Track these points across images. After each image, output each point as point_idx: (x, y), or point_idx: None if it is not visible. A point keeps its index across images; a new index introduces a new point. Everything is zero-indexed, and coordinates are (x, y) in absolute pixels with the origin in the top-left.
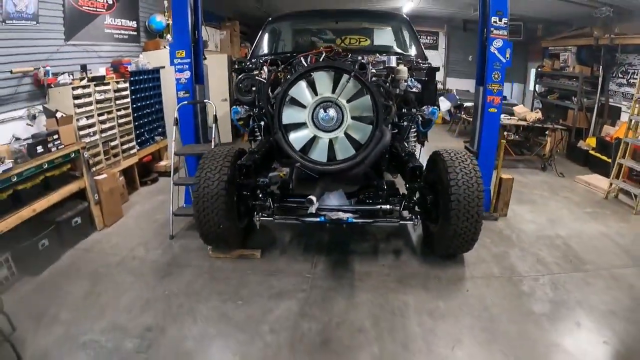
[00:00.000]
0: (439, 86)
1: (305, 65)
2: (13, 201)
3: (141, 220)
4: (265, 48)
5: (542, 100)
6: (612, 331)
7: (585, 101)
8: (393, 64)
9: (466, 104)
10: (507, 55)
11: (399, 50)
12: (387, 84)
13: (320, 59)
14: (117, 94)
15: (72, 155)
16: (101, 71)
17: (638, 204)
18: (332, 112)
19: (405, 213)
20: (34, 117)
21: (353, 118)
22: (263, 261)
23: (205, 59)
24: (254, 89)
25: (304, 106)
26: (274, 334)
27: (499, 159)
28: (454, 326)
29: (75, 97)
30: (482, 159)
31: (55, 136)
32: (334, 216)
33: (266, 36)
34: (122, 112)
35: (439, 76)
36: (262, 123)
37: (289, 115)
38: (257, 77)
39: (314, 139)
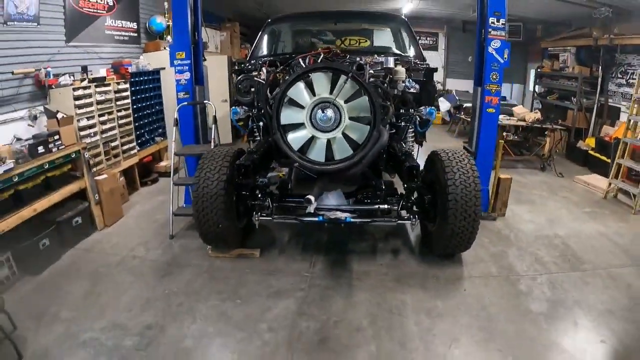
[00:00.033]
0: (439, 87)
1: (304, 66)
2: (14, 201)
3: (141, 220)
4: (264, 49)
5: (541, 101)
6: (610, 330)
7: (584, 101)
8: (391, 64)
9: (466, 105)
10: (505, 56)
11: (397, 51)
12: (385, 85)
13: (319, 60)
14: (117, 95)
15: (73, 156)
16: (102, 72)
17: (637, 203)
18: (330, 112)
19: (404, 213)
20: (35, 118)
21: (351, 118)
22: (262, 260)
23: (205, 60)
24: (253, 89)
25: (302, 107)
26: (272, 332)
27: (497, 159)
28: (451, 325)
29: (76, 98)
30: (480, 159)
31: (56, 137)
32: (332, 216)
33: (265, 37)
34: (123, 112)
35: (439, 77)
36: (261, 123)
37: (287, 115)
38: (256, 78)
39: (312, 139)
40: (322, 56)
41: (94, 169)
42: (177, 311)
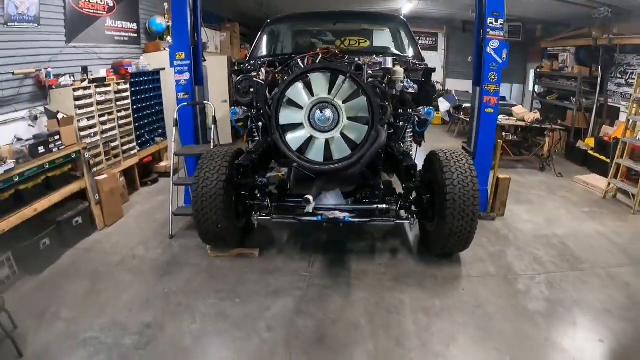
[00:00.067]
0: (438, 87)
1: (302, 66)
2: (15, 201)
3: (141, 220)
4: (263, 50)
5: (541, 101)
6: (607, 329)
7: (584, 101)
8: (389, 65)
9: (465, 105)
10: (504, 56)
11: (396, 52)
12: (384, 85)
13: (317, 61)
14: (117, 96)
15: (73, 156)
16: (102, 73)
17: (636, 203)
18: (328, 112)
19: (402, 212)
20: (35, 118)
21: (349, 118)
22: (261, 260)
23: (204, 60)
24: (252, 90)
25: (300, 107)
26: (271, 331)
27: (495, 159)
28: (449, 324)
29: (76, 99)
30: (479, 159)
31: (57, 137)
32: (331, 215)
33: (265, 38)
34: (123, 113)
35: (439, 77)
36: (260, 124)
37: (286, 116)
38: (255, 79)
39: (310, 139)
40: (320, 57)
41: (94, 169)
42: (177, 310)
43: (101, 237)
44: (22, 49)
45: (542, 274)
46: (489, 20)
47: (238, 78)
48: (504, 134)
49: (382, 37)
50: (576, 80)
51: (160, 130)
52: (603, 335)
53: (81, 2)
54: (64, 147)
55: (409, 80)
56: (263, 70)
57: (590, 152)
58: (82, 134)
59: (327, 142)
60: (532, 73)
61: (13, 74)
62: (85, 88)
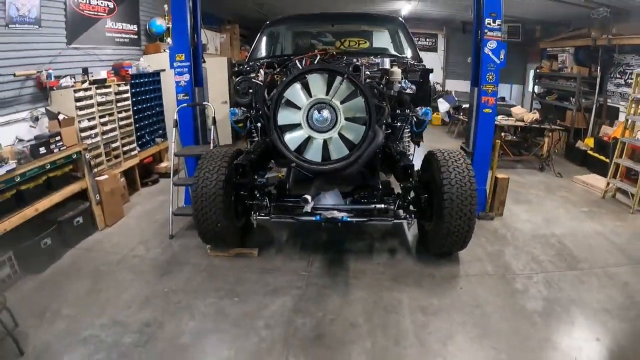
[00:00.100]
0: (438, 88)
1: (300, 67)
2: (16, 201)
3: (142, 220)
4: (262, 51)
5: (540, 101)
6: (605, 329)
7: (583, 102)
8: (387, 65)
9: (465, 106)
10: (502, 57)
11: (394, 53)
12: (381, 86)
13: (315, 62)
14: (118, 97)
15: (74, 157)
16: (102, 74)
17: (635, 203)
18: (326, 113)
19: (400, 212)
20: (36, 119)
21: (346, 119)
22: (260, 259)
23: (204, 62)
24: (251, 91)
25: (298, 107)
26: (269, 329)
27: (494, 158)
28: (446, 323)
29: (77, 100)
30: (477, 159)
31: (58, 138)
32: (329, 215)
33: (264, 39)
34: (123, 114)
35: (438, 78)
36: (259, 124)
37: (284, 116)
38: (254, 80)
39: (308, 140)
40: (318, 58)
41: (95, 170)
42: (176, 309)
43: (102, 237)
44: (23, 51)
45: (540, 273)
46: (487, 21)
47: (237, 79)
48: (503, 134)
49: (381, 38)
50: (575, 81)
51: (161, 131)
52: (601, 335)
53: (82, 4)
54: (64, 147)
55: (406, 81)
56: (262, 71)
57: (590, 152)
58: (83, 134)
59: (325, 142)
60: (531, 73)
61: (14, 75)
62: (85, 89)
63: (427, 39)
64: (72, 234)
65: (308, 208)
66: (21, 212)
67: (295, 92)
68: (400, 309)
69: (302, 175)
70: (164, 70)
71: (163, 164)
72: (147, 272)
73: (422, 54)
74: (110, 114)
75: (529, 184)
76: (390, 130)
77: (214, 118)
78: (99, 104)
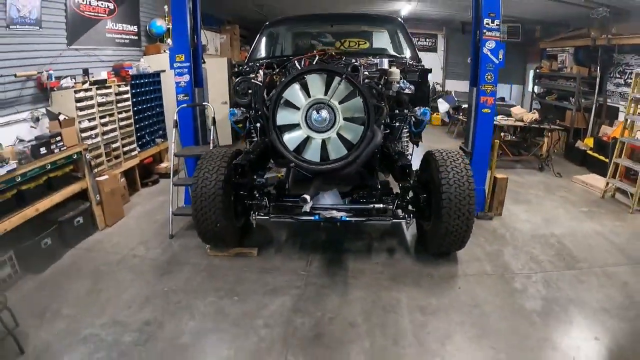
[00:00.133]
0: (438, 88)
1: (299, 68)
2: (17, 201)
3: (142, 220)
4: (262, 52)
5: (540, 101)
6: (604, 328)
7: (583, 102)
8: (385, 66)
9: (464, 106)
10: (500, 57)
11: (393, 53)
12: (380, 86)
13: (314, 63)
14: (118, 97)
15: (75, 157)
16: (103, 75)
17: (634, 202)
18: (324, 113)
19: (399, 212)
20: (37, 120)
21: (345, 119)
22: (259, 259)
23: (204, 62)
24: (250, 91)
25: (297, 108)
26: (268, 328)
27: (493, 158)
28: (445, 322)
29: (78, 100)
30: (476, 159)
31: (58, 138)
32: (328, 215)
33: (263, 40)
34: (124, 114)
35: (438, 78)
36: (258, 125)
37: (283, 116)
38: (253, 80)
39: (307, 140)
40: (317, 58)
41: (95, 170)
42: (176, 308)
43: (102, 237)
44: (24, 52)
45: (539, 272)
46: (485, 21)
47: (236, 80)
48: (502, 134)
49: (380, 39)
50: (575, 81)
51: (161, 132)
52: (599, 334)
53: (82, 5)
54: (65, 148)
55: (405, 81)
56: (261, 72)
57: (589, 152)
58: (83, 135)
59: (323, 142)
60: (531, 73)
61: (15, 76)
62: (86, 90)
63: (427, 40)
64: (73, 234)
65: (307, 208)
66: (22, 212)
67: (294, 92)
68: (399, 309)
69: (302, 175)
70: (164, 70)
71: (163, 165)
72: (147, 272)
73: (421, 55)
74: (111, 115)
75: (528, 184)
76: (388, 130)
77: (213, 118)
78: (100, 104)
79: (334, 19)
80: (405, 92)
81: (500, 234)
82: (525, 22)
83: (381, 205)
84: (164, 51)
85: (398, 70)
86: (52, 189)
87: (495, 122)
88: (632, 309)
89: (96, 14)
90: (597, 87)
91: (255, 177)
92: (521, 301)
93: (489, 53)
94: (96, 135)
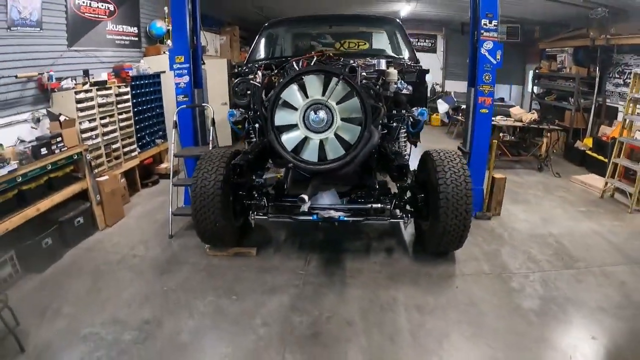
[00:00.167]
0: (438, 89)
1: (297, 69)
2: (18, 201)
3: (142, 220)
4: (261, 53)
5: (540, 102)
6: (601, 327)
7: (582, 102)
8: (383, 67)
9: (464, 106)
10: (498, 57)
11: (392, 54)
12: (377, 87)
13: (312, 63)
14: (118, 98)
15: (75, 157)
16: (103, 76)
17: (633, 202)
18: (322, 113)
19: (397, 212)
20: (38, 121)
21: (342, 119)
22: (258, 259)
23: (204, 64)
24: (249, 92)
25: (295, 108)
26: (266, 327)
27: (491, 158)
28: (442, 321)
29: (78, 101)
30: (474, 159)
31: (59, 139)
32: (326, 214)
33: (262, 41)
34: (124, 115)
35: (438, 79)
36: (257, 125)
37: (281, 117)
38: (252, 81)
39: (305, 140)
40: (315, 59)
41: (96, 171)
42: (175, 307)
43: (102, 237)
44: (24, 53)
45: (537, 272)
46: (483, 21)
47: (235, 81)
48: (501, 134)
49: (379, 40)
50: (574, 81)
51: (161, 133)
52: (596, 333)
53: (82, 7)
54: (65, 148)
55: (402, 82)
56: (259, 73)
57: (589, 152)
58: (84, 136)
59: (321, 142)
60: (530, 74)
61: (16, 77)
62: (86, 91)
63: (427, 40)
64: (73, 233)
65: (305, 208)
66: (22, 212)
67: (292, 93)
68: (396, 308)
69: (301, 175)
70: (164, 72)
71: (163, 165)
72: (146, 271)
73: (421, 55)
74: (111, 116)
75: (527, 184)
76: (386, 131)
77: (212, 119)
78: (100, 105)
79: (332, 20)
80: (403, 92)
81: (498, 233)
82: (525, 22)
83: (379, 205)
84: (164, 52)
85: (396, 71)
86: (53, 189)
87: (494, 123)
88: (629, 308)
89: (96, 16)
90: (596, 87)
91: (254, 177)
92: (518, 300)
93: (486, 53)
94: (96, 136)
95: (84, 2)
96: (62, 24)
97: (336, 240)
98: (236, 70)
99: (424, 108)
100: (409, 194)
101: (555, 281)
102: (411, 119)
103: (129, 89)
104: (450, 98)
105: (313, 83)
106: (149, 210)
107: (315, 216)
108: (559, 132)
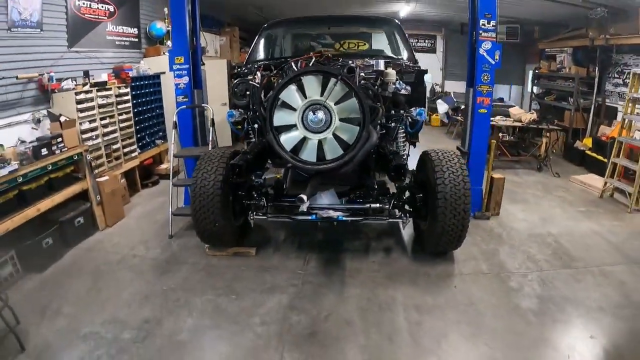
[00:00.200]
0: (437, 89)
1: (296, 69)
2: (18, 201)
3: (142, 220)
4: (260, 53)
5: (539, 102)
6: (599, 327)
7: (581, 102)
8: (381, 67)
9: (463, 107)
10: (496, 57)
11: (390, 54)
12: (376, 87)
13: (310, 64)
14: (118, 99)
15: (75, 158)
16: (103, 77)
17: (632, 202)
18: (320, 114)
19: (396, 211)
20: (38, 121)
21: (341, 120)
22: (257, 258)
23: (203, 64)
24: (248, 93)
25: (294, 109)
26: (265, 325)
27: (490, 158)
28: (440, 321)
29: (78, 102)
30: (473, 159)
31: (59, 139)
32: (325, 214)
33: (262, 42)
34: (124, 116)
35: (437, 79)
36: (256, 125)
37: (280, 117)
38: (251, 82)
39: (304, 140)
40: (313, 60)
41: (96, 171)
42: (174, 306)
43: (102, 237)
44: (25, 54)
45: (535, 271)
46: (481, 22)
47: (235, 81)
48: (500, 134)
49: (379, 40)
50: (574, 81)
51: (161, 133)
52: (594, 333)
53: (83, 8)
54: (66, 149)
55: (401, 82)
56: (258, 73)
57: (588, 152)
58: (84, 136)
59: (319, 142)
60: (530, 74)
61: (17, 78)
62: (87, 92)
63: (426, 41)
64: (73, 234)
65: (304, 207)
66: (23, 212)
67: (291, 93)
68: (395, 307)
69: (300, 175)
70: (164, 72)
71: (163, 166)
72: (146, 271)
73: (421, 56)
74: (111, 116)
75: (526, 184)
76: (384, 131)
77: (212, 120)
78: (100, 106)
79: (331, 21)
80: (401, 92)
81: (497, 233)
82: (524, 22)
83: (378, 205)
84: (164, 53)
85: (394, 72)
86: (53, 189)
87: (493, 123)
88: (628, 308)
89: (96, 17)
90: (595, 87)
91: (253, 177)
92: (517, 300)
93: (485, 54)
94: (97, 136)
95: (84, 3)
96: (62, 25)
97: (335, 240)
98: (235, 71)
99: (422, 108)
100: (407, 193)
101: (554, 281)
102: (409, 119)
103: (129, 89)
104: (450, 98)
105: (311, 83)
106: (149, 211)
107: (314, 216)
108: (558, 132)
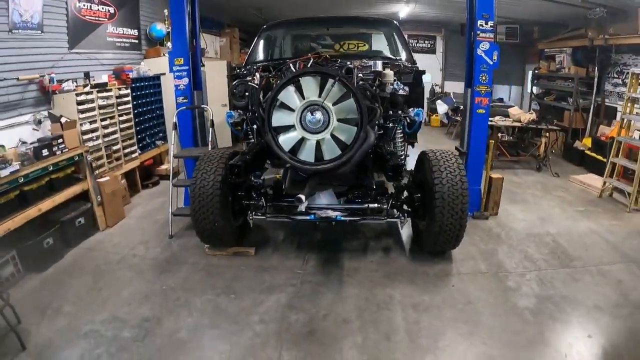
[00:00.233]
0: (437, 89)
1: (294, 71)
2: (20, 201)
3: (142, 221)
4: (260, 54)
5: (539, 102)
6: (597, 326)
7: (581, 102)
8: (379, 68)
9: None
10: (494, 58)
11: (389, 55)
12: (374, 88)
13: (308, 65)
14: (119, 100)
15: (76, 159)
16: (104, 78)
17: (631, 202)
18: (318, 114)
19: (394, 211)
20: (39, 122)
21: (339, 120)
22: (257, 258)
23: (203, 66)
24: (247, 94)
25: (292, 109)
26: (263, 324)
27: (488, 158)
28: (438, 319)
29: (79, 103)
30: (471, 159)
31: (60, 140)
32: (323, 214)
33: (261, 43)
34: (124, 117)
35: (437, 80)
36: (255, 126)
37: (279, 118)
38: (250, 83)
39: (302, 141)
40: (311, 61)
41: (96, 172)
42: (174, 305)
43: (103, 237)
44: (26, 56)
45: (533, 271)
46: (479, 22)
47: (234, 82)
48: (499, 134)
49: (378, 41)
50: (573, 81)
51: (161, 134)
52: (592, 331)
53: (83, 10)
54: (67, 150)
55: (399, 83)
56: (257, 74)
57: (588, 152)
58: (85, 137)
59: (318, 143)
60: (530, 74)
61: (18, 79)
62: (87, 93)
63: (426, 41)
64: (74, 234)
65: (302, 207)
66: (24, 213)
67: (289, 94)
68: (392, 306)
69: (299, 176)
70: (164, 74)
71: (163, 166)
72: (146, 270)
73: (420, 56)
74: (112, 117)
75: (525, 184)
76: (382, 131)
77: (212, 120)
78: (101, 107)
79: (330, 22)
80: (399, 93)
81: (495, 233)
82: (524, 23)
83: (376, 205)
84: (164, 54)
85: (392, 72)
86: (54, 190)
87: (492, 123)
88: (626, 307)
89: (97, 18)
90: (595, 87)
91: (252, 177)
92: (514, 299)
93: (483, 54)
94: (97, 137)
95: (84, 5)
96: (63, 27)
97: (334, 240)
98: (234, 72)
99: (420, 109)
100: (405, 193)
101: (552, 280)
102: (407, 120)
103: (129, 90)
104: (449, 99)
105: (309, 84)
106: (149, 211)
107: (312, 216)
108: (557, 132)
